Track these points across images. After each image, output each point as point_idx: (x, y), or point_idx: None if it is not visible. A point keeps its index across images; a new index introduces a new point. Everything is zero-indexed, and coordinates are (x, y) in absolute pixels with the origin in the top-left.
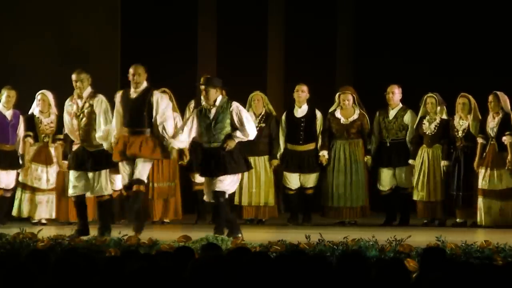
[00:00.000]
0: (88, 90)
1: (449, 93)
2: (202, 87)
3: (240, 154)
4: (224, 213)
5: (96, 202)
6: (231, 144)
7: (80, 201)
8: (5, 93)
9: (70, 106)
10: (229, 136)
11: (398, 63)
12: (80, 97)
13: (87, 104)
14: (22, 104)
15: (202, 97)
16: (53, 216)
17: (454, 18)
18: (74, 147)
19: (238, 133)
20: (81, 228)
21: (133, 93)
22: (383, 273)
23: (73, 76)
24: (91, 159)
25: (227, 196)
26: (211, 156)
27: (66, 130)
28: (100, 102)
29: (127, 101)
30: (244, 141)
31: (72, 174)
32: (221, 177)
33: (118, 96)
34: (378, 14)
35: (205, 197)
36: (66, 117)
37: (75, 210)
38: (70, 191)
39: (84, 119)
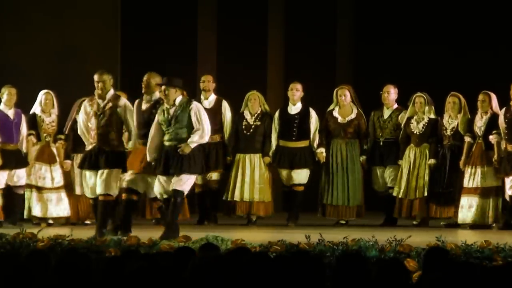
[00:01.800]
0: (111, 92)
1: (442, 91)
2: (163, 87)
3: (200, 155)
4: (176, 214)
5: (100, 201)
6: (185, 150)
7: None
8: (6, 91)
9: (89, 106)
10: (186, 141)
11: (399, 60)
12: (101, 97)
13: (110, 104)
14: (22, 104)
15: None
16: (67, 214)
17: (453, 18)
18: (89, 147)
19: (195, 138)
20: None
21: (144, 104)
22: (383, 273)
23: (95, 77)
24: (104, 157)
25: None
26: (170, 154)
27: (79, 131)
28: (126, 106)
29: (138, 112)
30: (240, 139)
31: (87, 175)
32: (181, 176)
33: (135, 104)
34: (379, 10)
35: (158, 195)
36: (82, 117)
37: (93, 212)
38: (87, 193)
39: (104, 119)
